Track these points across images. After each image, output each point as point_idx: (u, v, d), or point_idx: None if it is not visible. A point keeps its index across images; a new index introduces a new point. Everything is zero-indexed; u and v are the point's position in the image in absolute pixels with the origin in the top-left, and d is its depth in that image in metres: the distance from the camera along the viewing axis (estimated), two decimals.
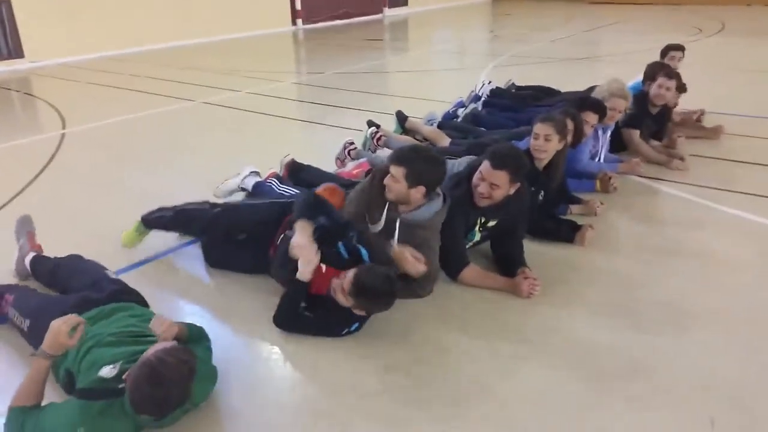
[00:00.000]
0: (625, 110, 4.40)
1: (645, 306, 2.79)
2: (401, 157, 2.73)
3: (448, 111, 5.80)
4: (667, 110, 4.97)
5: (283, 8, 14.55)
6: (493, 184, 2.84)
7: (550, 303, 2.84)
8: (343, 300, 2.52)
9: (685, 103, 5.55)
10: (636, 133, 4.71)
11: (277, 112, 6.59)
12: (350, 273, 2.50)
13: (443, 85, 8.18)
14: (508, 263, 3.09)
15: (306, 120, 6.25)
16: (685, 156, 4.61)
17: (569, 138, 3.58)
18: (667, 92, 4.67)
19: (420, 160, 2.73)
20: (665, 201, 4.02)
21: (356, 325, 2.61)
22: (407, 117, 5.21)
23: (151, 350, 1.91)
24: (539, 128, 3.34)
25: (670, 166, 4.53)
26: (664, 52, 5.51)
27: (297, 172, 4.02)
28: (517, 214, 3.10)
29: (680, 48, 5.41)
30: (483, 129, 5.20)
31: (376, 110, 6.35)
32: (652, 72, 4.86)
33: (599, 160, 4.47)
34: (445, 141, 4.93)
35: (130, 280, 2.78)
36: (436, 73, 9.09)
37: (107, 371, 2.03)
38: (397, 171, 2.71)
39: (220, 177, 3.90)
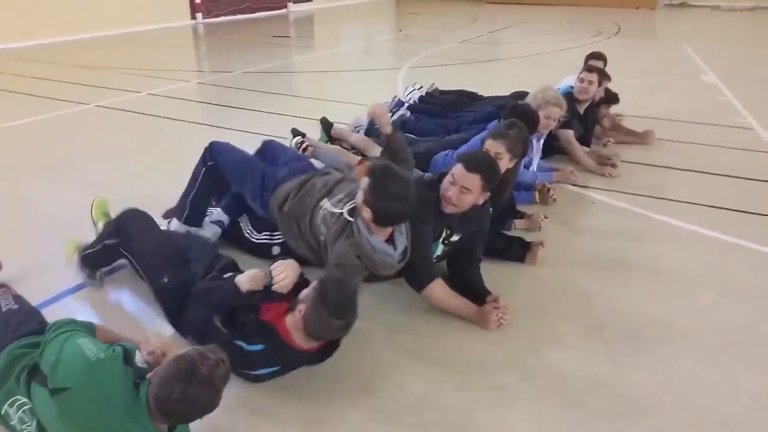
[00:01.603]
0: (559, 119, 4.33)
1: (614, 330, 2.68)
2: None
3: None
4: (594, 112, 4.98)
5: (182, 1, 13.70)
6: (465, 188, 2.65)
7: (516, 331, 2.66)
8: (299, 334, 2.21)
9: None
10: (571, 134, 4.68)
11: (184, 116, 6.06)
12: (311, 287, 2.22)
13: (360, 87, 7.90)
14: (467, 287, 2.87)
15: (216, 125, 5.77)
16: (617, 162, 4.62)
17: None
18: (590, 86, 4.67)
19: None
20: (603, 211, 3.98)
21: (278, 368, 2.28)
22: (333, 124, 4.91)
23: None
24: (490, 145, 3.15)
25: (602, 173, 4.52)
26: (586, 60, 5.53)
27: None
28: (479, 232, 2.94)
29: (599, 57, 5.44)
30: (412, 136, 4.99)
31: (291, 114, 5.99)
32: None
33: (533, 169, 4.38)
34: (375, 150, 4.67)
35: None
36: (351, 74, 8.81)
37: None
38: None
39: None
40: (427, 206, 2.70)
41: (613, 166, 4.54)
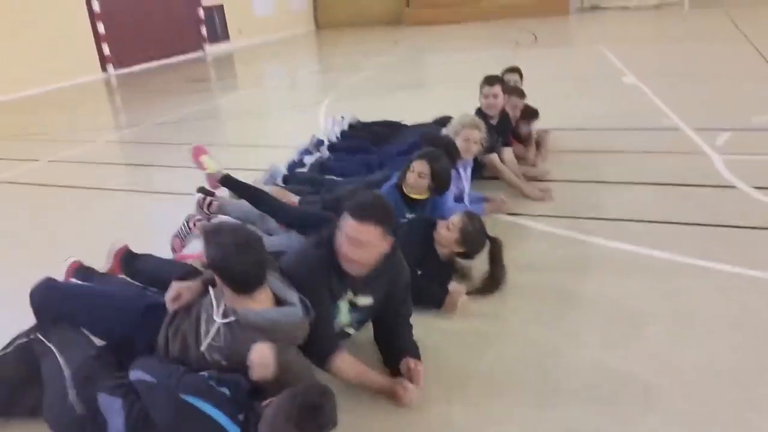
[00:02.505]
0: (481, 142, 4.06)
1: (567, 392, 2.35)
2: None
3: (293, 159, 5.19)
4: (505, 118, 4.78)
5: (90, 54, 13.07)
6: (360, 241, 2.22)
7: (445, 407, 2.30)
8: None
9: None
10: (496, 158, 4.42)
11: (90, 183, 5.53)
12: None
13: (284, 127, 7.51)
14: (392, 352, 2.51)
15: (127, 189, 5.30)
16: (547, 175, 4.39)
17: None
18: (495, 99, 4.53)
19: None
20: (542, 240, 3.69)
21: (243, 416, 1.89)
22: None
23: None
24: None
25: (535, 196, 4.29)
26: (503, 74, 5.35)
27: (130, 264, 3.13)
28: (396, 288, 2.48)
29: (514, 70, 5.29)
30: (335, 178, 4.66)
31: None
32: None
33: (465, 201, 4.10)
34: (292, 199, 4.30)
35: None
36: (273, 114, 8.44)
37: None
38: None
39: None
40: (318, 266, 2.31)
41: (544, 191, 4.33)
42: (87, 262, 3.02)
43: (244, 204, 4.14)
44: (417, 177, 3.37)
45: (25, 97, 11.17)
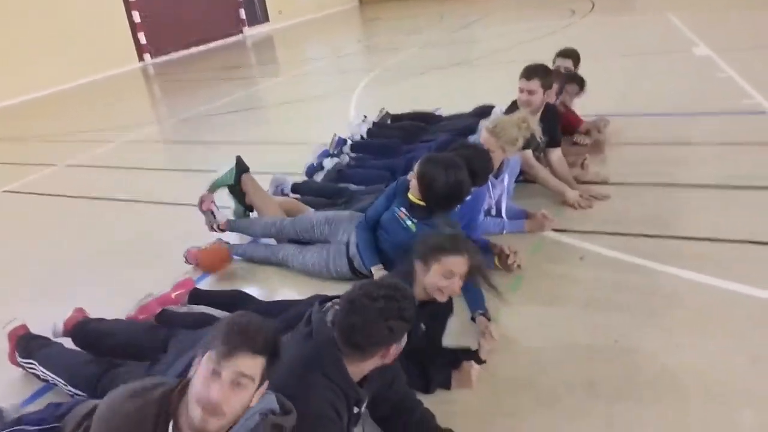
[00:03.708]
0: (503, 147, 3.29)
1: None
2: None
3: (312, 163, 4.61)
4: (551, 114, 3.90)
5: (126, 44, 12.84)
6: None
7: None
8: None
9: (583, 108, 4.65)
10: (529, 154, 3.68)
11: (101, 192, 5.12)
12: None
13: (319, 118, 6.78)
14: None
15: (138, 199, 4.86)
16: (599, 178, 3.66)
17: None
18: (531, 96, 3.68)
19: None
20: (593, 268, 2.99)
21: None
22: (248, 168, 3.85)
23: None
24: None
25: (572, 202, 3.59)
26: (554, 60, 4.57)
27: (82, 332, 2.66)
28: (391, 383, 1.99)
29: (567, 55, 4.47)
30: (352, 187, 4.07)
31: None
32: None
33: (503, 215, 3.43)
34: (304, 211, 3.75)
35: None
36: (309, 103, 7.79)
37: None
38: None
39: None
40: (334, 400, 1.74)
41: (593, 197, 3.62)
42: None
43: (256, 222, 3.64)
44: (412, 177, 2.83)
45: (60, 91, 11.02)
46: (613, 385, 2.19)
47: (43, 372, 2.42)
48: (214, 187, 3.78)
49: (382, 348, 1.75)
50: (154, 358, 2.24)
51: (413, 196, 2.86)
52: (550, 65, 4.20)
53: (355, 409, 1.85)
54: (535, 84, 3.67)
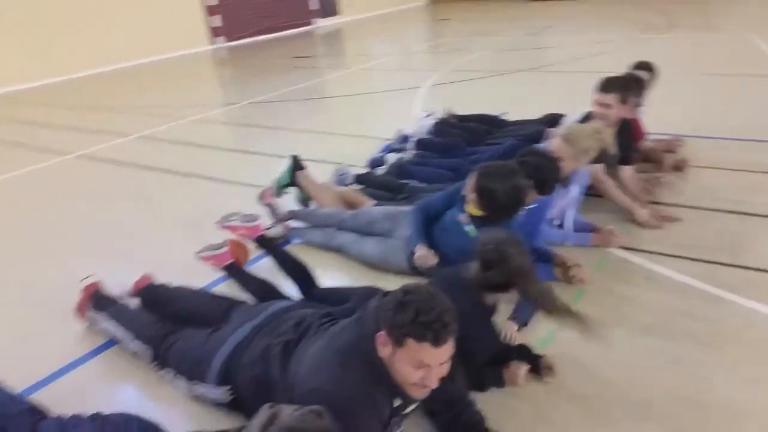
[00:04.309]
0: (575, 158, 3.21)
1: None
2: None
3: (375, 156, 4.64)
4: (626, 130, 3.79)
5: (198, 26, 13.17)
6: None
7: None
8: None
9: (652, 127, 4.50)
10: (600, 169, 3.57)
11: (168, 165, 5.29)
12: None
13: (382, 113, 6.87)
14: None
15: (200, 175, 4.99)
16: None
17: None
18: (607, 110, 3.56)
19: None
20: (658, 290, 2.89)
21: None
22: (303, 167, 3.94)
23: None
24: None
25: (642, 221, 3.48)
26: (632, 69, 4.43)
27: (149, 295, 2.75)
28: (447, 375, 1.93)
29: (647, 68, 4.33)
30: (413, 183, 4.06)
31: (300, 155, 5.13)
32: None
33: (567, 226, 3.36)
34: (366, 203, 3.77)
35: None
36: (373, 97, 7.87)
37: None
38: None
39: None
40: (364, 396, 1.72)
41: (667, 219, 3.50)
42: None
43: (316, 213, 3.69)
44: (469, 191, 2.78)
45: (131, 67, 11.42)
46: (668, 411, 2.12)
47: (112, 326, 2.52)
48: (278, 190, 3.86)
49: None
50: (216, 327, 2.30)
51: (471, 209, 2.82)
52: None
53: (407, 408, 1.84)
54: (611, 98, 3.56)
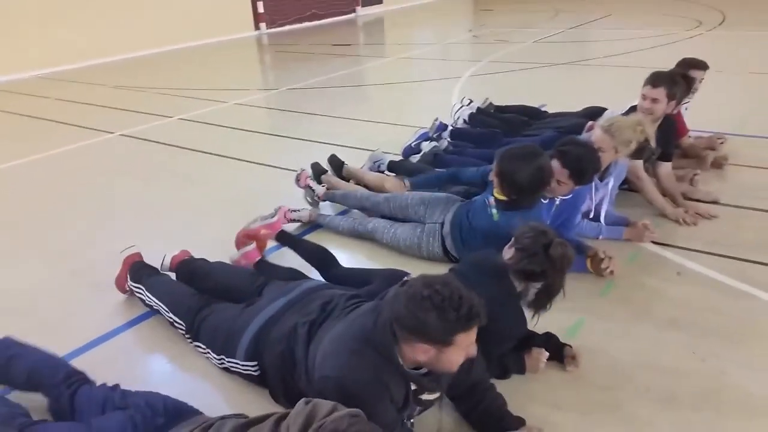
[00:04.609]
0: (616, 149, 3.18)
1: None
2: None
3: (410, 144, 4.67)
4: (669, 126, 3.74)
5: (245, 12, 13.35)
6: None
7: None
8: None
9: (693, 123, 4.41)
10: (640, 166, 3.55)
11: (209, 147, 5.42)
12: None
13: (419, 102, 6.89)
14: (485, 423, 2.04)
15: (239, 158, 5.10)
16: (710, 197, 3.52)
17: None
18: (654, 104, 3.52)
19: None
20: (691, 285, 2.85)
21: None
22: (343, 162, 4.12)
23: None
24: None
25: (675, 218, 3.44)
26: (679, 65, 4.32)
27: (187, 269, 2.84)
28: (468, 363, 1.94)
29: (700, 66, 4.22)
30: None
31: (330, 141, 5.20)
32: None
33: (602, 219, 3.34)
34: (400, 189, 3.80)
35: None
36: (411, 87, 7.88)
37: None
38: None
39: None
40: (375, 381, 1.75)
41: (699, 215, 3.47)
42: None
43: (351, 194, 3.75)
44: (493, 176, 2.84)
45: (180, 49, 11.66)
46: (688, 403, 2.12)
47: (149, 297, 2.62)
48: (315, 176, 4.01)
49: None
50: (250, 302, 2.37)
51: (497, 193, 2.85)
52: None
53: (425, 395, 1.87)
54: (660, 92, 3.51)
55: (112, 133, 6.08)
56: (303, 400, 1.48)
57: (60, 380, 2.03)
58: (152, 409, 1.81)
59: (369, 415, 1.53)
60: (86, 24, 10.41)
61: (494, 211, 2.86)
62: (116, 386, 2.03)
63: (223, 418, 1.74)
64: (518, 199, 2.77)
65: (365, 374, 1.72)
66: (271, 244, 3.24)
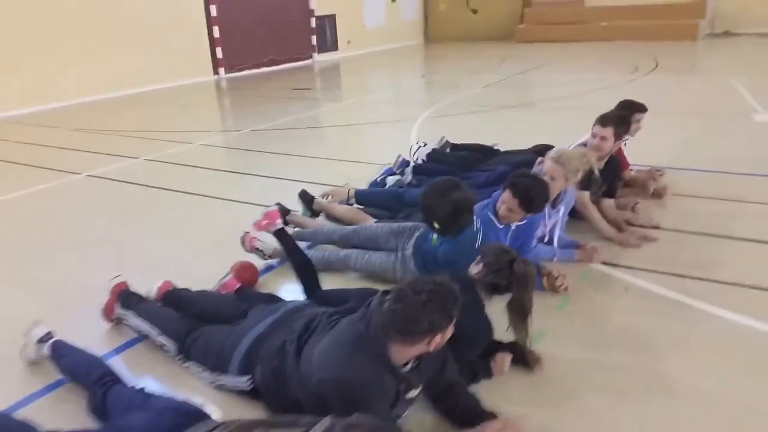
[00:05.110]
0: (566, 178, 3.51)
1: None
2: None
3: (375, 179, 4.95)
4: (614, 164, 4.20)
5: (203, 56, 13.60)
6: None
7: None
8: None
9: (635, 158, 4.85)
10: (587, 196, 3.91)
11: (177, 185, 5.56)
12: None
13: (378, 142, 7.25)
14: (461, 419, 2.25)
15: (208, 195, 5.25)
16: (651, 223, 3.91)
17: None
18: (603, 142, 3.94)
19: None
20: (638, 299, 3.18)
21: None
22: (314, 197, 4.33)
23: None
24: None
25: (624, 243, 3.79)
26: (618, 107, 4.75)
27: (173, 298, 2.99)
28: (441, 368, 2.24)
29: (640, 108, 4.66)
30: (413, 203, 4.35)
31: (296, 178, 5.42)
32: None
33: (554, 243, 3.65)
34: (367, 222, 4.04)
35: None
36: (370, 128, 8.24)
37: None
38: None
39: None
40: (373, 380, 1.96)
41: (642, 238, 3.83)
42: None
43: (319, 231, 3.94)
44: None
45: (138, 93, 11.75)
46: (640, 395, 2.41)
47: (139, 322, 2.74)
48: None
49: (426, 336, 1.94)
50: (237, 322, 2.54)
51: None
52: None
53: (410, 393, 2.09)
54: (608, 131, 3.92)
55: (78, 174, 6.15)
56: (328, 417, 1.48)
57: (95, 379, 2.25)
58: (172, 411, 1.97)
59: (366, 411, 1.69)
60: (41, 69, 10.38)
61: (434, 236, 3.14)
62: (142, 389, 2.22)
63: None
64: (442, 228, 3.03)
65: (364, 374, 1.92)
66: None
